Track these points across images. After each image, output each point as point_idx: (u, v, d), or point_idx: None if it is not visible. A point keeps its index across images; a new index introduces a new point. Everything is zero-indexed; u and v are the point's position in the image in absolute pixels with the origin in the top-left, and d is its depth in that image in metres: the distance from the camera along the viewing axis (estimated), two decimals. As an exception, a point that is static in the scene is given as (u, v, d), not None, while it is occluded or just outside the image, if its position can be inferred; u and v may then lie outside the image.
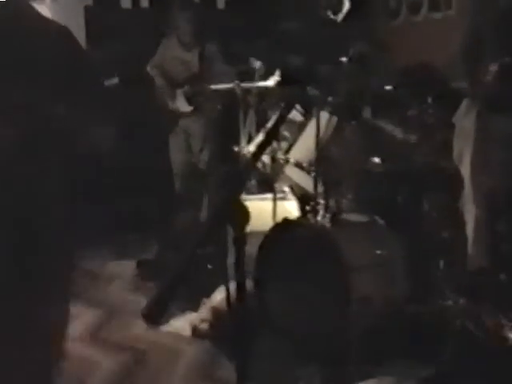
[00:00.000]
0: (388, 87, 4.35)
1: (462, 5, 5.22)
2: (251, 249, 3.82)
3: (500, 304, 3.79)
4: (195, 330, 4.09)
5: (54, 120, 1.60)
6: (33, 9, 1.71)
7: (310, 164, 4.08)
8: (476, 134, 4.16)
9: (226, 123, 5.34)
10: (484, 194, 4.16)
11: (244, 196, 4.67)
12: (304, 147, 4.13)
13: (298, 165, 4.13)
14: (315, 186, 3.96)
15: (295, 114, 4.30)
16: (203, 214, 5.53)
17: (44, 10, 5.22)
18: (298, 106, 4.30)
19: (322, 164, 3.96)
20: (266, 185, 4.62)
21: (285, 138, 4.28)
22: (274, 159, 4.28)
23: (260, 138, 4.54)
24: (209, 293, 4.29)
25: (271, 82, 4.45)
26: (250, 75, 4.92)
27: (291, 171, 4.21)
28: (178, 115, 5.75)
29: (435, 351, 3.48)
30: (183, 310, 4.29)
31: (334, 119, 4.04)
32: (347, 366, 3.43)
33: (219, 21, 6.91)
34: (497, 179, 4.11)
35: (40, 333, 1.65)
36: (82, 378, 3.61)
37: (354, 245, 3.70)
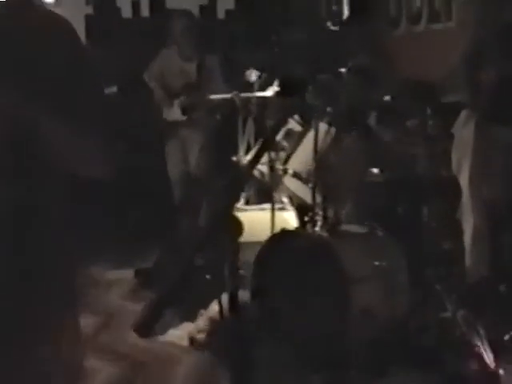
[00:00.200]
0: (387, 98, 4.34)
1: (462, 16, 5.22)
2: (249, 259, 3.81)
3: (500, 314, 3.78)
4: (193, 341, 4.07)
5: (51, 128, 1.59)
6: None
7: (309, 174, 4.07)
8: (475, 144, 4.16)
9: (224, 133, 5.34)
10: (482, 204, 4.15)
11: (242, 206, 4.67)
12: (302, 157, 4.12)
13: (297, 175, 4.12)
14: (314, 197, 3.95)
15: (294, 125, 4.30)
16: (201, 224, 5.53)
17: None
18: (296, 117, 4.30)
19: (320, 174, 3.95)
20: (265, 195, 4.61)
21: (283, 148, 4.28)
22: (272, 169, 4.27)
23: (257, 147, 4.54)
24: (206, 303, 4.28)
25: (270, 92, 4.46)
26: (248, 86, 4.92)
27: (290, 181, 4.21)
28: (173, 125, 5.74)
29: (435, 362, 3.47)
30: (181, 320, 4.28)
31: (333, 130, 4.03)
32: (347, 378, 3.42)
33: (219, 31, 6.93)
34: (495, 189, 4.11)
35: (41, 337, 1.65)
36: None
37: (352, 256, 3.69)
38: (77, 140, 1.62)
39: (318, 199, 3.95)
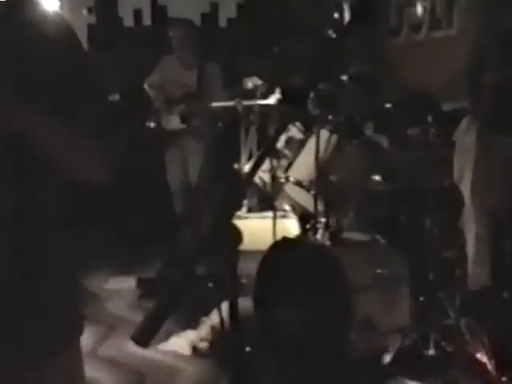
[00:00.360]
0: (388, 106, 4.34)
1: (464, 24, 5.23)
2: (251, 267, 3.80)
3: (503, 322, 3.77)
4: (195, 349, 4.07)
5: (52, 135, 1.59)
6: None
7: (311, 182, 4.07)
8: (476, 152, 4.15)
9: (226, 141, 5.34)
10: (484, 212, 4.15)
11: (244, 214, 4.66)
12: (304, 165, 4.12)
13: (298, 183, 4.12)
14: (315, 205, 3.94)
15: (295, 132, 4.30)
16: (203, 233, 5.50)
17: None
18: (298, 124, 4.30)
19: (322, 182, 3.95)
20: (267, 203, 4.61)
21: (285, 156, 4.28)
22: (274, 177, 4.27)
23: (257, 154, 4.54)
24: (208, 312, 4.27)
25: (272, 99, 4.46)
26: (249, 94, 4.92)
27: (291, 189, 4.20)
28: (173, 133, 5.75)
29: (438, 371, 3.46)
30: (182, 328, 4.27)
31: (334, 137, 4.03)
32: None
33: (220, 39, 6.94)
34: (497, 197, 4.10)
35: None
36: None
37: (354, 264, 3.67)
38: (76, 141, 1.61)
39: (320, 207, 3.95)
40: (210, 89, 5.61)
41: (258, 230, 4.20)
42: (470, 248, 4.19)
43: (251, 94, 4.88)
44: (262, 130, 4.97)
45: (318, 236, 3.88)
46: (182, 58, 5.78)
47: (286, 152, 4.27)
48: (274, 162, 4.26)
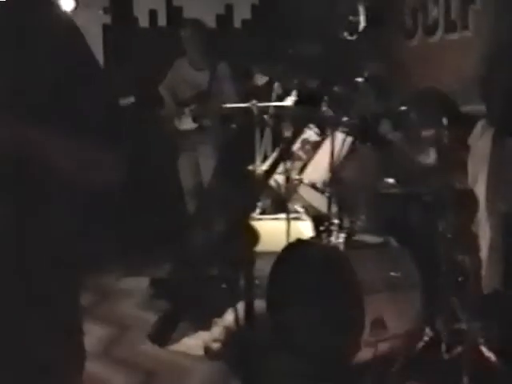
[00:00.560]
0: (403, 108, 4.33)
1: (479, 25, 5.20)
2: (265, 268, 3.81)
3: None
4: (207, 350, 4.07)
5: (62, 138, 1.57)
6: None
7: (324, 184, 4.07)
8: (491, 155, 4.13)
9: (240, 142, 5.34)
10: (499, 216, 4.13)
11: (258, 216, 4.67)
12: (318, 167, 4.12)
13: (312, 185, 4.12)
14: (329, 207, 3.94)
15: (310, 134, 4.30)
16: (216, 234, 5.51)
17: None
18: (312, 126, 4.30)
19: (336, 184, 3.95)
20: (280, 205, 4.61)
21: (299, 158, 4.28)
22: (288, 179, 4.28)
23: (272, 156, 4.55)
24: (221, 312, 4.27)
25: (288, 101, 4.46)
26: (264, 95, 4.93)
27: (305, 191, 4.20)
28: (185, 134, 5.75)
29: (449, 374, 3.45)
30: (196, 330, 4.27)
31: (349, 139, 4.03)
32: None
33: (235, 39, 6.95)
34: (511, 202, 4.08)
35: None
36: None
37: (367, 266, 3.68)
38: (86, 144, 1.59)
39: (334, 209, 3.95)
40: (222, 89, 5.61)
41: (271, 231, 4.20)
42: (484, 251, 4.18)
43: (266, 96, 4.88)
44: (278, 131, 4.97)
45: (332, 238, 3.88)
46: (192, 59, 5.79)
47: (301, 154, 4.27)
48: (288, 164, 4.26)
